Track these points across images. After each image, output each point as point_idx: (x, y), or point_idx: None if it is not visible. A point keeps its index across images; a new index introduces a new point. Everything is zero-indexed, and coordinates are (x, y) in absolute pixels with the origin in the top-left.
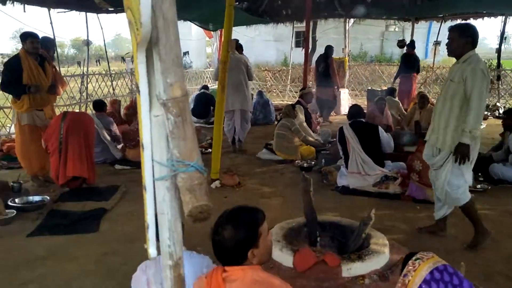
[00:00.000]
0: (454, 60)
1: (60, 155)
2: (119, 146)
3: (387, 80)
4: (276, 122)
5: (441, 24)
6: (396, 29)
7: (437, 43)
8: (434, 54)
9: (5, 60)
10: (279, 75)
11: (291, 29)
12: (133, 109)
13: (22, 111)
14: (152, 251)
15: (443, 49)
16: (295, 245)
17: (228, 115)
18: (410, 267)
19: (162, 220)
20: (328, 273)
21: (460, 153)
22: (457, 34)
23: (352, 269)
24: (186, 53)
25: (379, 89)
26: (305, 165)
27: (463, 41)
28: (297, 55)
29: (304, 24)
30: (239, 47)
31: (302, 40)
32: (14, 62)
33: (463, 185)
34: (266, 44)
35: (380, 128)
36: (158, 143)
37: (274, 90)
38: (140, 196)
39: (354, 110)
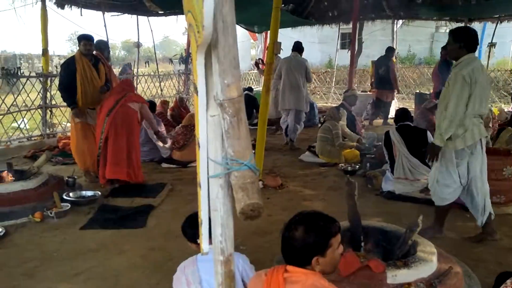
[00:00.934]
0: (509, 63)
1: (99, 153)
2: (167, 145)
3: None
4: (319, 125)
5: (496, 25)
6: (447, 31)
7: (491, 44)
8: (489, 56)
9: (62, 61)
10: (324, 77)
11: (337, 30)
12: (177, 109)
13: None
14: (205, 246)
15: (498, 51)
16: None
17: (284, 113)
18: (508, 287)
19: (215, 216)
20: (372, 279)
21: (429, 152)
22: (451, 38)
23: (397, 276)
24: None
25: (428, 92)
26: (349, 168)
27: (456, 45)
28: (342, 57)
29: (350, 25)
30: (300, 50)
31: (347, 41)
32: (69, 63)
33: (451, 185)
34: (310, 46)
35: (428, 132)
36: (214, 142)
37: (318, 93)
38: (185, 194)
39: (401, 114)
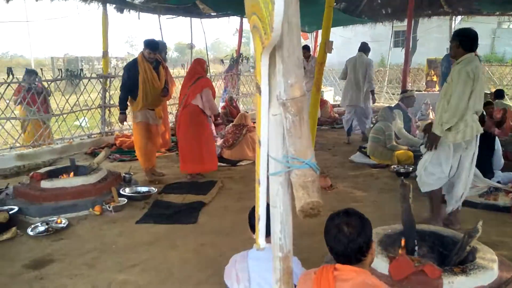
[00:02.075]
0: None
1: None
2: (217, 144)
3: (498, 82)
4: (371, 125)
5: None
6: (511, 26)
7: None
8: None
9: (120, 63)
10: (376, 76)
11: (390, 28)
12: (228, 108)
13: (137, 110)
14: (261, 241)
15: None
16: (390, 252)
17: (348, 109)
18: None
19: (275, 213)
20: (427, 284)
21: (429, 141)
22: (452, 38)
23: (454, 283)
24: None
25: (488, 92)
26: (401, 170)
27: (454, 44)
28: (395, 56)
29: (404, 23)
30: (366, 50)
31: (401, 40)
32: (132, 65)
33: (437, 174)
34: None
35: (497, 140)
36: (275, 140)
37: None
38: (235, 192)
39: None
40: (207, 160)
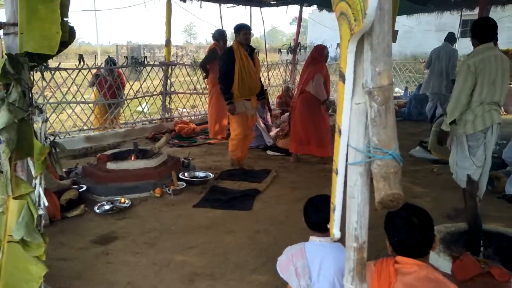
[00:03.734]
0: None
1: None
2: (272, 133)
3: None
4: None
5: None
6: None
7: None
8: None
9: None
10: None
11: (458, 17)
12: (284, 98)
13: (233, 99)
14: (336, 231)
15: None
16: (453, 251)
17: (431, 97)
18: None
19: (352, 204)
20: (493, 287)
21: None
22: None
23: None
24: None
25: None
26: None
27: (472, 36)
28: (463, 46)
29: (474, 11)
30: (452, 41)
31: (469, 29)
32: (228, 53)
33: (469, 168)
34: (426, 34)
35: None
36: (356, 129)
37: None
38: (289, 181)
39: None
40: (318, 144)
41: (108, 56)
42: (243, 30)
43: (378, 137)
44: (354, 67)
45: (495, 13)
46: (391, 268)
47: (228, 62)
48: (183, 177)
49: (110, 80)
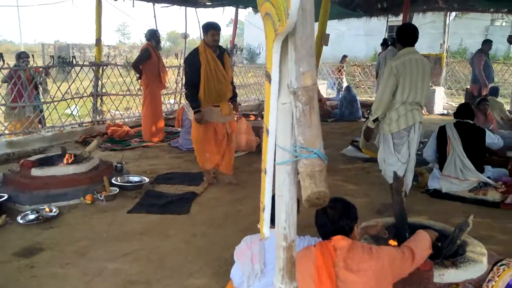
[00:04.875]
0: None
1: None
2: None
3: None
4: (363, 119)
5: None
6: (504, 24)
7: None
8: None
9: (114, 51)
10: (369, 70)
11: (384, 23)
12: None
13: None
14: (265, 231)
15: None
16: (382, 244)
17: None
18: (495, 272)
19: (280, 202)
20: (418, 276)
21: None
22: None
23: (445, 275)
24: None
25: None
26: None
27: (396, 40)
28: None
29: (399, 18)
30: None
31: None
32: (193, 57)
33: (395, 164)
34: (356, 38)
35: (488, 132)
36: (283, 129)
37: (362, 86)
38: (227, 183)
39: (464, 110)
40: None
41: (22, 52)
42: (211, 31)
43: (304, 137)
44: (280, 67)
45: (417, 19)
46: (330, 246)
47: (193, 66)
48: (116, 182)
49: (23, 79)
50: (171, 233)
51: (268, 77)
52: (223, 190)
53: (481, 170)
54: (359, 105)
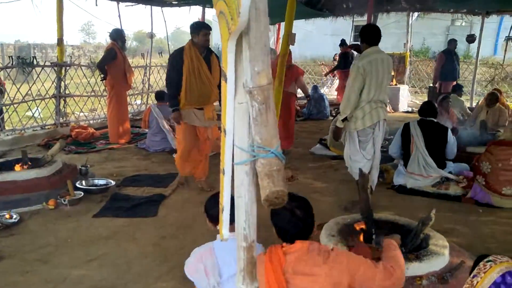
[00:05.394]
0: None
1: None
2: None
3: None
4: (331, 118)
5: None
6: (464, 24)
7: (509, 38)
8: (505, 50)
9: (79, 51)
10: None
11: (350, 23)
12: None
13: (180, 107)
14: (225, 232)
15: None
16: (350, 241)
17: None
18: (481, 268)
19: (240, 203)
20: None
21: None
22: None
23: (409, 269)
24: None
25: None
26: None
27: (360, 40)
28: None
29: (364, 18)
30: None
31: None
32: (176, 55)
33: (361, 161)
34: (323, 38)
35: (449, 131)
36: (240, 129)
37: (329, 85)
38: (196, 185)
39: (427, 108)
40: (290, 136)
41: None
42: (203, 30)
43: (260, 136)
44: (235, 67)
45: (382, 19)
46: (279, 251)
47: (175, 65)
48: (81, 186)
49: None
50: (138, 237)
51: (224, 76)
52: (191, 192)
53: (443, 166)
54: (326, 104)
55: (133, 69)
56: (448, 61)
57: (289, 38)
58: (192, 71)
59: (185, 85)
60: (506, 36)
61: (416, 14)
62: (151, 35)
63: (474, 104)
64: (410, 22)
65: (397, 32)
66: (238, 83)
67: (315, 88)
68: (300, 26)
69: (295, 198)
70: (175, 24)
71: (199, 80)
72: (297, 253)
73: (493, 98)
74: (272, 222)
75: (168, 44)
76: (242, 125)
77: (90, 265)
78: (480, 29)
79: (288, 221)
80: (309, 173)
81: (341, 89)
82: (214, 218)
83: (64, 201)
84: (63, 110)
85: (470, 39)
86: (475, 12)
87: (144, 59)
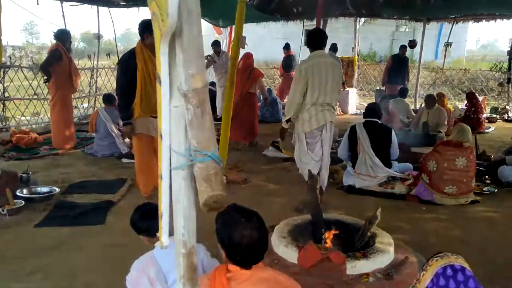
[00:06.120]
0: (463, 62)
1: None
2: (127, 140)
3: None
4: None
5: (452, 25)
6: (407, 30)
7: (448, 44)
8: (445, 55)
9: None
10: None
11: (301, 27)
12: None
13: (135, 117)
14: (164, 239)
15: (454, 51)
16: (300, 241)
17: None
18: (429, 263)
19: (178, 209)
20: (332, 270)
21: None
22: None
23: (356, 266)
24: None
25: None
26: None
27: (306, 44)
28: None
29: (314, 22)
30: (336, 50)
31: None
32: (127, 59)
33: (309, 162)
34: (275, 41)
35: (393, 132)
36: (176, 133)
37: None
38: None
39: (371, 109)
40: (253, 132)
41: None
42: (148, 31)
43: (197, 140)
44: (170, 70)
45: (331, 24)
46: (223, 278)
47: (127, 70)
48: (21, 194)
49: None
50: (85, 246)
51: (159, 79)
52: (141, 198)
53: (389, 166)
54: (280, 107)
55: (79, 71)
56: (395, 65)
57: (240, 41)
58: (148, 75)
59: (140, 92)
60: (445, 42)
61: (363, 19)
62: (98, 36)
63: (418, 106)
64: (357, 27)
65: (346, 36)
66: (173, 86)
67: (269, 91)
68: (253, 30)
69: (250, 217)
70: (125, 25)
71: (155, 85)
72: (246, 282)
73: (430, 100)
74: (220, 238)
75: (117, 46)
76: (178, 129)
77: (32, 278)
78: (422, 35)
79: (247, 245)
80: (262, 175)
81: (282, 91)
82: (143, 231)
83: (3, 211)
84: (2, 114)
85: (411, 44)
86: (417, 19)
87: (91, 61)
